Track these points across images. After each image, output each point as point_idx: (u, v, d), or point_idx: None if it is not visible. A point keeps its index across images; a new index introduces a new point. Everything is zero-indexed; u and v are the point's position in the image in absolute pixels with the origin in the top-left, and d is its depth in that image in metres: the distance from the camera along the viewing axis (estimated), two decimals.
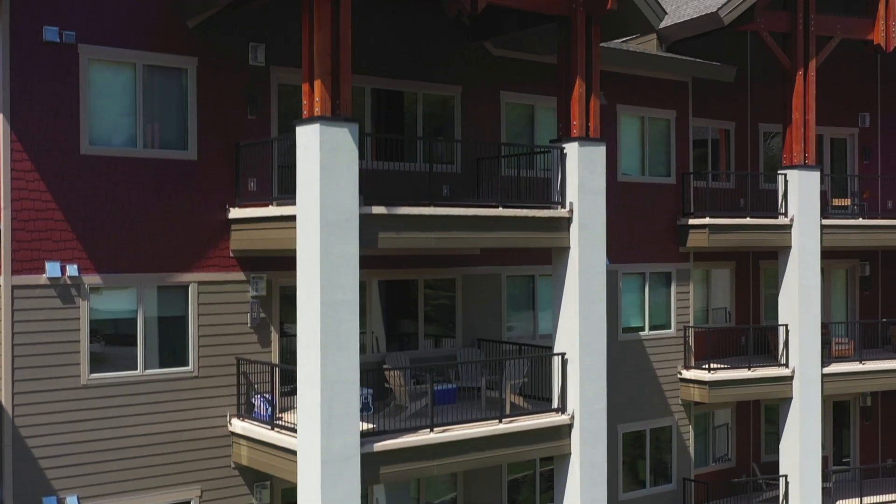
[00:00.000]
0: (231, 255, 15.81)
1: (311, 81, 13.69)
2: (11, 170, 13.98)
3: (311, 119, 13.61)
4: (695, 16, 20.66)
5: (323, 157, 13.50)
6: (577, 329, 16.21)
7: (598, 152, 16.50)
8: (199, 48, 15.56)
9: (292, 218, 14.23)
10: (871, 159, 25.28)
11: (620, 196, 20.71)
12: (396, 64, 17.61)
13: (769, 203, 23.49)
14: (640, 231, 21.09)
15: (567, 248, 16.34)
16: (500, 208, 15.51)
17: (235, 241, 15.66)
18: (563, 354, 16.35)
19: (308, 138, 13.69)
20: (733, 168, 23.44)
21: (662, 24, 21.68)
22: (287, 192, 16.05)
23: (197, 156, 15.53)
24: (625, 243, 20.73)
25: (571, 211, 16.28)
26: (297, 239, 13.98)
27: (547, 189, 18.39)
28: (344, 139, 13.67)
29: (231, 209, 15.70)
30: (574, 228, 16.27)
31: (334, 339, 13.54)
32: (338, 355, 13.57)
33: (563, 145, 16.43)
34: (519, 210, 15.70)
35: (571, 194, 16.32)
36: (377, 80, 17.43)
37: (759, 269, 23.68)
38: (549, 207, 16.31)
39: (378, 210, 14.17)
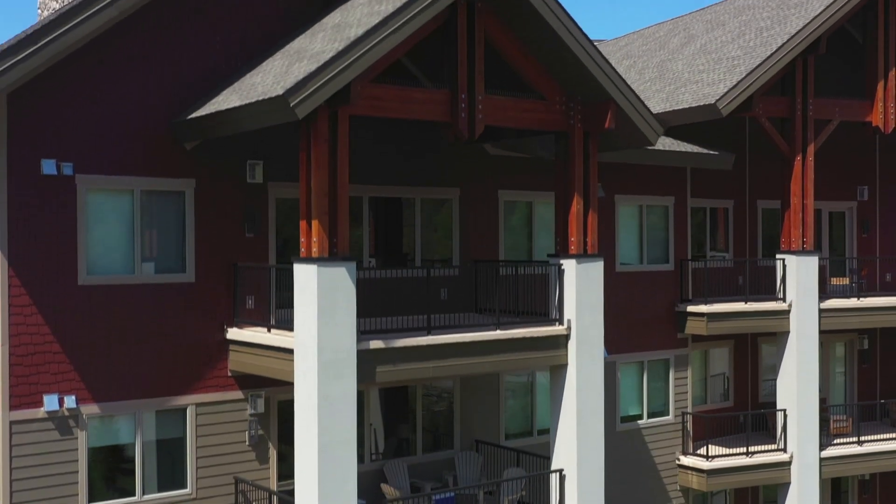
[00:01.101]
0: (229, 374, 15.83)
1: (309, 220, 13.70)
2: (9, 306, 13.99)
3: (309, 259, 13.63)
4: (693, 105, 20.63)
5: (320, 298, 13.51)
6: (575, 446, 16.23)
7: (596, 268, 16.51)
8: (197, 169, 15.57)
9: (290, 351, 14.25)
10: (869, 232, 25.28)
11: (619, 286, 20.72)
12: (394, 171, 17.61)
13: (768, 280, 23.48)
14: (639, 319, 21.10)
15: (565, 365, 16.36)
16: (498, 330, 15.53)
17: (234, 361, 15.68)
18: (560, 471, 16.38)
19: (306, 278, 13.70)
20: (732, 244, 23.46)
21: (661, 109, 21.68)
22: (285, 307, 16.04)
23: (195, 278, 15.54)
24: (623, 333, 20.74)
25: (569, 328, 16.29)
26: (294, 375, 14.00)
27: (545, 288, 18.37)
28: (341, 279, 13.69)
29: (229, 329, 15.71)
30: (572, 345, 16.29)
31: (331, 480, 13.57)
32: (336, 496, 13.59)
33: (561, 261, 16.43)
34: (516, 330, 15.72)
35: (569, 311, 16.33)
36: (375, 189, 17.45)
37: (758, 346, 23.70)
38: (546, 323, 16.32)
39: (376, 344, 14.19)
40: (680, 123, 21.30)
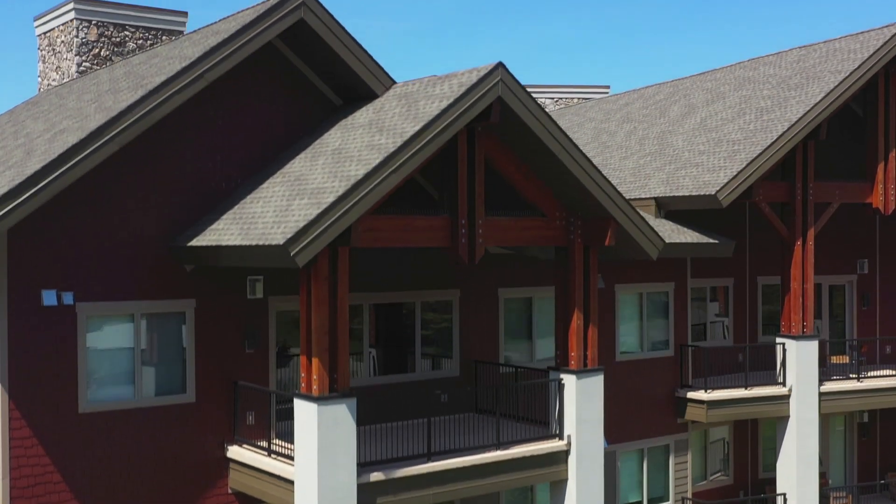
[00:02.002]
0: (229, 491, 15.84)
1: (309, 357, 13.71)
2: (10, 439, 14.00)
3: (310, 397, 13.63)
4: (693, 193, 20.63)
5: (321, 437, 13.52)
6: None
7: (596, 382, 16.52)
8: (197, 289, 15.57)
9: (290, 481, 14.26)
10: (869, 305, 25.29)
11: (619, 375, 20.72)
12: (395, 278, 17.61)
13: (769, 355, 23.43)
14: (639, 406, 21.11)
15: (565, 480, 16.36)
16: (498, 451, 15.54)
17: (234, 480, 15.69)
18: None
19: (306, 416, 13.71)
20: (732, 321, 23.48)
21: (661, 191, 21.69)
22: (286, 419, 16.03)
23: (195, 397, 15.54)
24: (623, 421, 20.74)
25: (570, 443, 16.30)
26: None
27: (546, 390, 18.37)
28: (342, 416, 13.70)
29: (229, 447, 15.72)
30: (572, 460, 16.30)
31: None
32: None
33: (561, 376, 16.44)
34: (517, 449, 15.74)
35: (569, 426, 16.34)
36: (376, 297, 17.46)
37: (757, 423, 23.71)
38: (546, 438, 16.33)
39: (376, 477, 14.19)
40: (680, 208, 21.31)
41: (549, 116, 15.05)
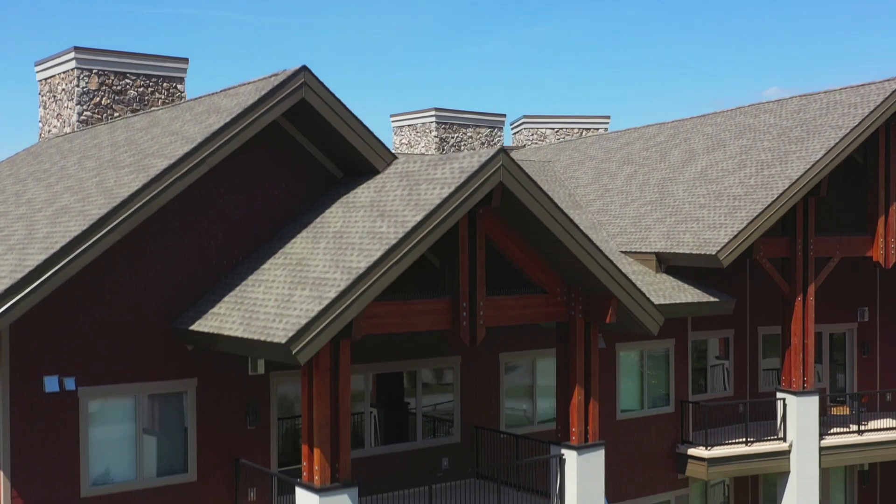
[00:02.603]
0: None
1: (311, 447, 13.74)
2: None
3: (312, 487, 13.66)
4: (694, 251, 20.64)
5: None
6: None
7: (598, 456, 16.56)
8: (198, 368, 15.59)
9: None
10: (869, 353, 25.31)
11: (620, 434, 20.75)
12: (396, 347, 17.62)
13: (769, 407, 23.47)
14: (639, 464, 21.14)
15: None
16: None
17: None
18: None
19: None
20: (733, 369, 23.50)
21: (661, 246, 21.71)
22: (288, 493, 16.06)
23: (196, 476, 15.57)
24: (624, 479, 20.78)
25: None
26: None
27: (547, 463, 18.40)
28: None
29: None
30: None
31: None
32: None
33: (563, 451, 16.47)
34: None
35: (570, 499, 16.37)
36: (378, 367, 17.49)
37: (757, 476, 23.74)
38: None
39: None
40: (680, 265, 21.33)
41: (551, 199, 15.07)
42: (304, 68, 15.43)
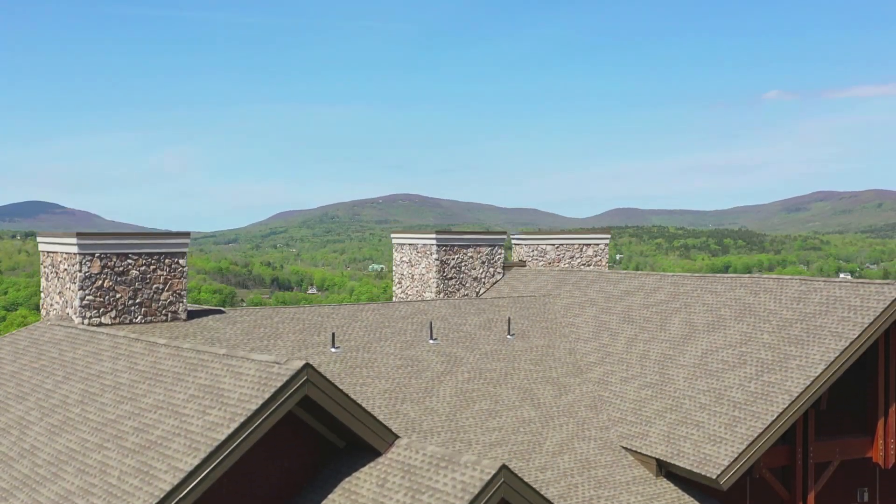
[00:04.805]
0: None
1: None
2: None
3: None
4: (695, 468, 20.75)
5: None
6: None
7: None
8: None
9: None
10: None
11: None
12: None
13: None
14: None
15: None
16: None
17: None
18: None
19: None
20: None
21: (661, 455, 21.79)
22: None
23: None
24: None
25: None
26: None
27: None
28: None
29: None
30: None
31: None
32: None
33: None
34: None
35: None
36: None
37: None
38: None
39: None
40: (680, 474, 21.43)
41: None
42: (308, 365, 15.54)
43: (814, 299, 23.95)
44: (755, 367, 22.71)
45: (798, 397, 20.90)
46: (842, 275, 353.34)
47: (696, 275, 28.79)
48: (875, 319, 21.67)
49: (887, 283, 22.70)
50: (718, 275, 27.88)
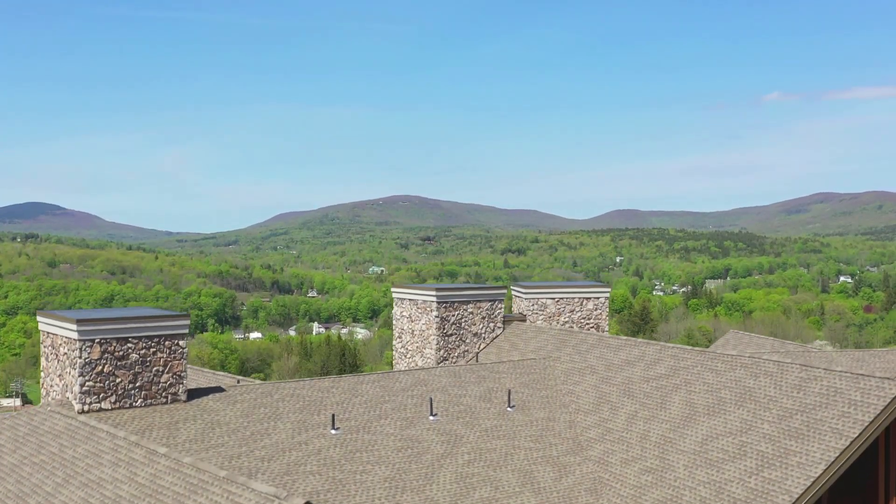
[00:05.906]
0: None
1: None
2: None
3: None
4: None
5: None
6: None
7: None
8: None
9: None
10: None
11: None
12: None
13: None
14: None
15: None
16: None
17: None
18: None
19: None
20: None
21: None
22: None
23: None
24: None
25: None
26: None
27: None
28: None
29: None
30: None
31: None
32: None
33: None
34: None
35: None
36: None
37: None
38: None
39: None
40: None
41: None
42: None
43: (814, 389, 23.91)
44: (755, 461, 22.68)
45: (798, 499, 20.88)
46: (842, 278, 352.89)
47: (697, 349, 28.77)
48: (876, 417, 21.65)
49: (887, 379, 22.67)
50: (719, 353, 27.85)
